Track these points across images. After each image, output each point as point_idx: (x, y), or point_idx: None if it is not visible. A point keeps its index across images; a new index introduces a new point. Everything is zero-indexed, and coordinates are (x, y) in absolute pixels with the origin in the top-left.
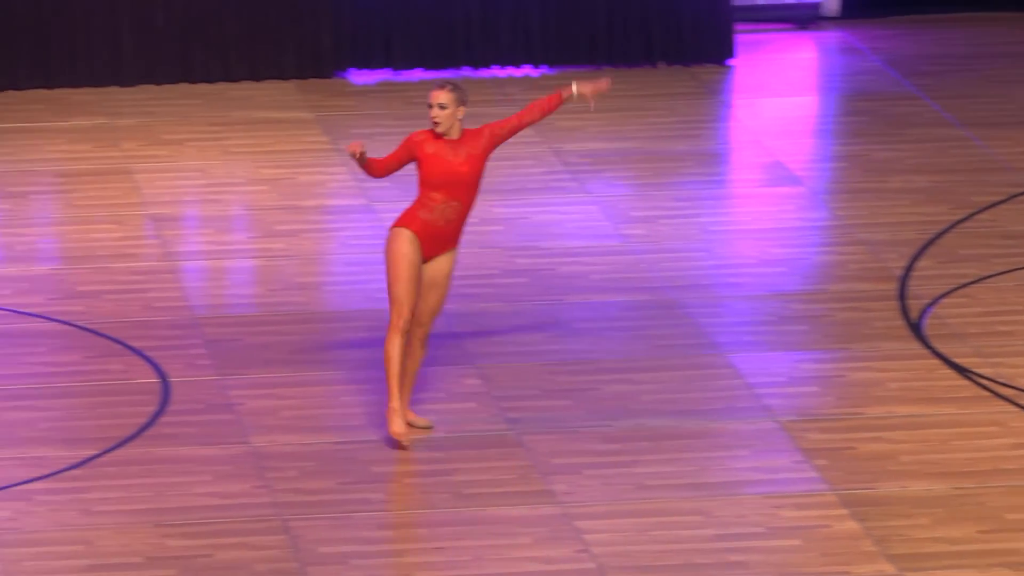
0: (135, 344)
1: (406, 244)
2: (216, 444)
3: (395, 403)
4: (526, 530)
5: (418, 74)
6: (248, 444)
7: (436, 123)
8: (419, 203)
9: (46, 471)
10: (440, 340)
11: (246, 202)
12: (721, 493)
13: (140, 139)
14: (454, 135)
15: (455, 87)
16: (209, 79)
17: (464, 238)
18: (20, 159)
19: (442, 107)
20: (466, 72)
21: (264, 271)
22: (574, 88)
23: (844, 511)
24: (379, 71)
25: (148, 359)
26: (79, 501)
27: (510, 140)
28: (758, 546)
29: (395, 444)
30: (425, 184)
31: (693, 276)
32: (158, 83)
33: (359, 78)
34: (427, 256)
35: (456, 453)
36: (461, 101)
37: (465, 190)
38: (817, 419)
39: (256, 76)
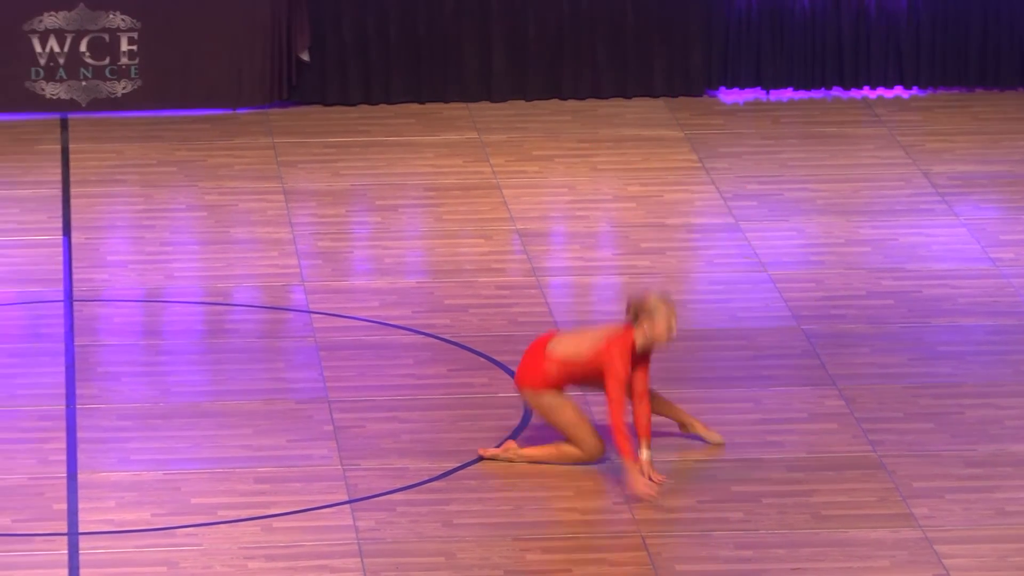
0: (499, 358)
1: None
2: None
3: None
4: (885, 553)
5: (788, 93)
6: (612, 461)
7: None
8: None
9: (408, 482)
10: (802, 360)
11: (612, 219)
12: None
13: (509, 154)
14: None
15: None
16: (579, 96)
17: (830, 258)
18: (390, 172)
19: None
20: (836, 92)
21: (628, 288)
22: (644, 455)
23: None
24: (749, 90)
25: (512, 373)
26: (439, 513)
27: (869, 161)
28: None
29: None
30: None
31: None
32: (528, 99)
33: (729, 97)
34: None
35: (816, 474)
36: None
37: None
38: None
39: (625, 93)
